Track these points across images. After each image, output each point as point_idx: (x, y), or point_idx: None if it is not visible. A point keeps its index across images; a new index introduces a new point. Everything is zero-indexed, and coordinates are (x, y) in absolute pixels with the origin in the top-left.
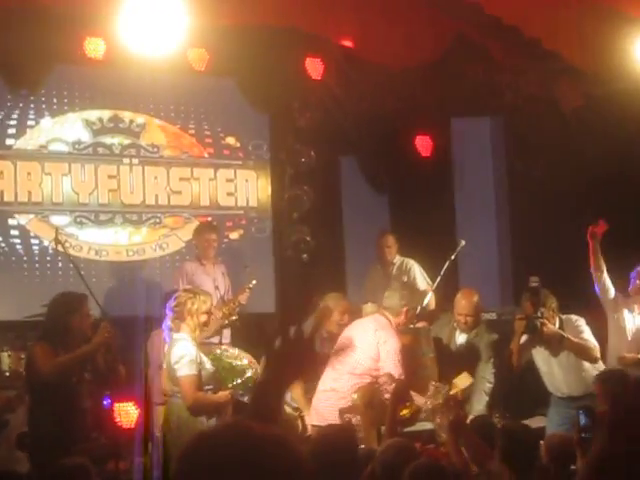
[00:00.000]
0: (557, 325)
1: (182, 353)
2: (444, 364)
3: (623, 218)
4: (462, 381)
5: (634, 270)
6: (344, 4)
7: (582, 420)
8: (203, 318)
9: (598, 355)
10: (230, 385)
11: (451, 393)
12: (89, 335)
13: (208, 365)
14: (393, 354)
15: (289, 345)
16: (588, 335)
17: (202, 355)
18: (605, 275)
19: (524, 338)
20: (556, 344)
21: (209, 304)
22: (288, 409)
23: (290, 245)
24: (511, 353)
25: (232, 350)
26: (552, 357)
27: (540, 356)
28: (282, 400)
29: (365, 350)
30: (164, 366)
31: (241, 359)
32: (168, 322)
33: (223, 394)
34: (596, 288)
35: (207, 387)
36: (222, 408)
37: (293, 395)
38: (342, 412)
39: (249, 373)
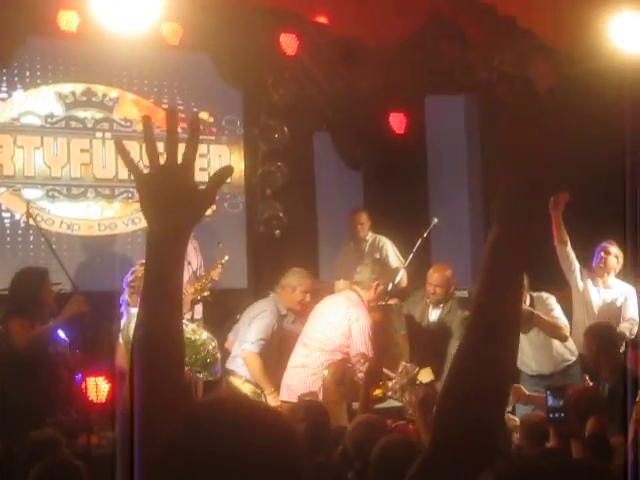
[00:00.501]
0: (527, 302)
1: None
2: (416, 341)
3: (591, 194)
4: (424, 376)
5: (599, 245)
6: None
7: (550, 401)
8: None
9: (568, 333)
10: (187, 360)
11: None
12: (54, 308)
13: None
14: (364, 332)
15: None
16: (558, 313)
17: None
18: (569, 248)
19: None
20: (526, 322)
21: None
22: (249, 386)
23: (263, 221)
24: None
25: (191, 325)
26: (522, 334)
27: None
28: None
29: (336, 327)
30: (120, 342)
31: (200, 334)
32: (125, 297)
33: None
34: (560, 261)
35: None
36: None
37: (251, 371)
38: (303, 396)
39: (209, 347)
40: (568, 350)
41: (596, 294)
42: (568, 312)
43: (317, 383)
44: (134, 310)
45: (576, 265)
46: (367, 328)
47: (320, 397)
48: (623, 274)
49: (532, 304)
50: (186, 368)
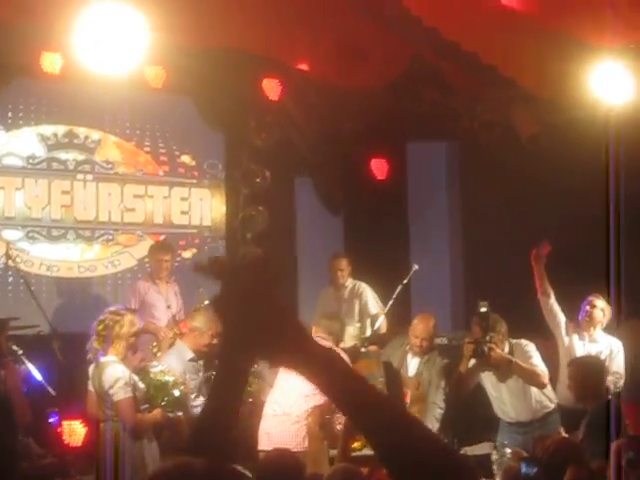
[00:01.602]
0: (507, 350)
1: (116, 377)
2: (394, 388)
3: (577, 245)
4: None
5: (585, 300)
6: (301, 27)
7: (523, 468)
8: (132, 340)
9: (546, 381)
10: (162, 402)
11: None
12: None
13: (140, 384)
14: None
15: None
16: (537, 360)
17: (134, 376)
18: (552, 300)
19: (472, 362)
20: (504, 369)
21: (137, 326)
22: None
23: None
24: (459, 377)
25: (160, 366)
26: (500, 382)
27: (489, 380)
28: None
29: None
30: (90, 389)
31: (171, 375)
32: (92, 344)
33: (157, 412)
34: (544, 314)
35: (143, 407)
36: (158, 427)
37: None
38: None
39: (180, 387)
40: (547, 398)
41: (581, 347)
42: (551, 360)
43: (302, 431)
44: (105, 359)
45: (561, 318)
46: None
47: (305, 445)
48: (609, 328)
49: (511, 351)
50: (159, 409)
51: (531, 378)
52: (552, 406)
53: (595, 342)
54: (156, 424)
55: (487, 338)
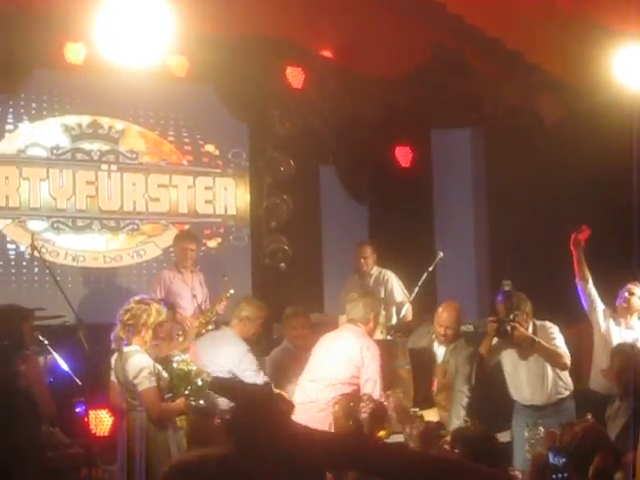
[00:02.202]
0: (530, 330)
1: (140, 366)
2: (421, 376)
3: (606, 232)
4: (429, 417)
5: (623, 287)
6: (324, 14)
7: (551, 458)
8: (167, 327)
9: (568, 362)
10: (185, 391)
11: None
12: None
13: (164, 374)
14: (376, 359)
15: None
16: (560, 342)
17: (157, 365)
18: (591, 285)
19: (495, 340)
20: (526, 348)
21: (163, 315)
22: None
23: (268, 254)
24: (481, 356)
25: (183, 355)
26: (520, 362)
27: (509, 360)
28: None
29: (348, 358)
30: (113, 379)
31: (192, 364)
32: (117, 333)
33: (181, 401)
34: (582, 299)
35: (167, 396)
36: (182, 414)
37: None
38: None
39: (204, 376)
40: (563, 383)
41: (617, 334)
42: (572, 345)
43: (328, 419)
44: (128, 349)
45: (598, 303)
46: (377, 356)
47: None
48: None
49: (534, 332)
50: (182, 399)
51: (553, 358)
52: (567, 393)
53: (631, 329)
54: (180, 413)
55: (511, 317)
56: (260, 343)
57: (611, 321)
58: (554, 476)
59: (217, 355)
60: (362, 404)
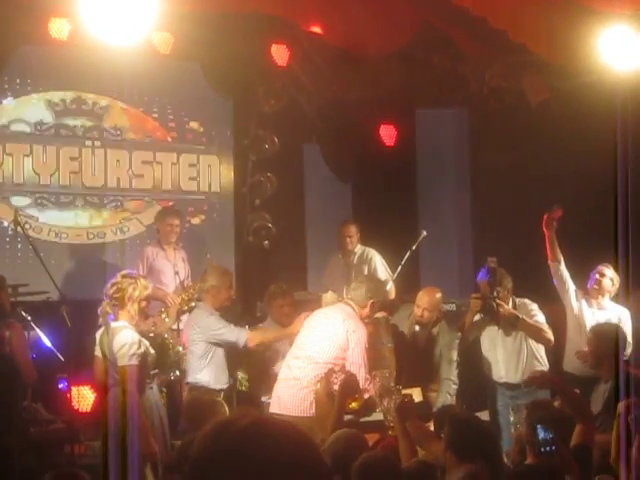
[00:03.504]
0: (511, 306)
1: (123, 342)
2: (404, 357)
3: (586, 214)
4: (414, 395)
5: (594, 268)
6: None
7: (540, 434)
8: (143, 304)
9: (552, 338)
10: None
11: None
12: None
13: (151, 350)
14: (361, 343)
15: None
16: (541, 319)
17: (144, 341)
18: (563, 267)
19: (477, 317)
20: (507, 325)
21: (149, 290)
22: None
23: (252, 232)
24: (462, 335)
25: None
26: (498, 339)
27: (486, 336)
28: None
29: (333, 339)
30: (98, 354)
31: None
32: (104, 308)
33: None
34: (554, 280)
35: (153, 371)
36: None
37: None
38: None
39: (178, 348)
40: (539, 363)
41: (590, 315)
42: (553, 326)
43: (310, 396)
44: (116, 324)
45: (570, 285)
46: (364, 339)
47: (312, 410)
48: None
49: (515, 309)
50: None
51: (537, 334)
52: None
53: (603, 310)
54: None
55: (494, 293)
56: (244, 320)
57: (583, 302)
58: (542, 449)
59: (190, 331)
60: (334, 375)
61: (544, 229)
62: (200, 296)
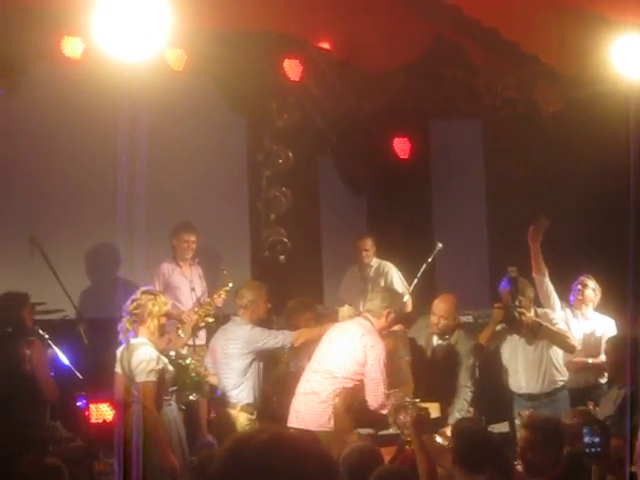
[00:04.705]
0: (533, 315)
1: (141, 359)
2: (421, 369)
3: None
4: (432, 411)
5: (575, 280)
6: (322, 7)
7: (587, 437)
8: (163, 320)
9: (576, 344)
10: (180, 383)
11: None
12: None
13: (170, 367)
14: (379, 359)
15: None
16: (563, 327)
17: (163, 357)
18: (547, 280)
19: (499, 327)
20: (529, 335)
21: (169, 306)
22: (244, 415)
23: (267, 246)
24: (481, 345)
25: (180, 350)
26: (519, 349)
27: (507, 346)
28: None
29: (351, 354)
30: (118, 371)
31: (189, 358)
32: (124, 325)
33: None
34: (538, 292)
35: (171, 388)
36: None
37: None
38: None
39: (199, 370)
40: (558, 373)
41: (577, 325)
42: None
43: (328, 411)
44: (136, 340)
45: (555, 297)
46: (382, 355)
47: (330, 425)
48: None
49: (537, 317)
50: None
51: (562, 341)
52: (561, 382)
53: (588, 320)
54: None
55: (516, 303)
56: None
57: (569, 312)
58: (587, 450)
59: (227, 345)
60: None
61: (529, 241)
62: (237, 312)
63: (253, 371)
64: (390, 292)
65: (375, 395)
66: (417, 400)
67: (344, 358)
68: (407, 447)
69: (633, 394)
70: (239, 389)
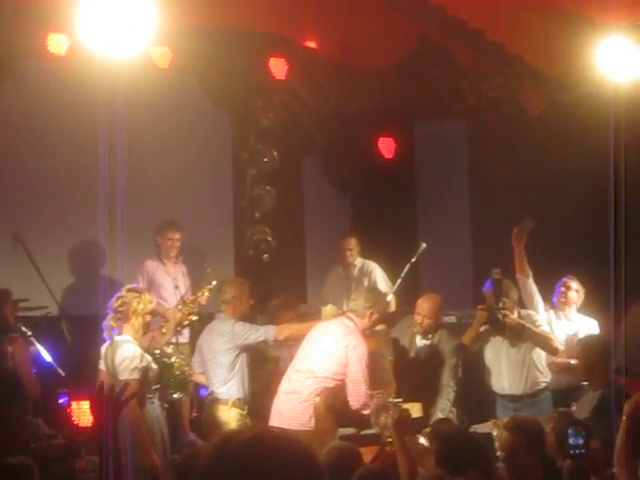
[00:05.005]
0: (516, 316)
1: (124, 356)
2: (404, 369)
3: (580, 223)
4: (413, 412)
5: (559, 281)
6: (308, 6)
7: (571, 438)
8: (148, 318)
9: (559, 346)
10: (164, 382)
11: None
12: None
13: (154, 365)
14: (361, 359)
15: None
16: (547, 329)
17: (147, 355)
18: (531, 281)
19: (483, 328)
20: (511, 336)
21: (154, 304)
22: (235, 410)
23: (251, 245)
24: (464, 346)
25: (164, 349)
26: (502, 350)
27: (490, 348)
28: None
29: (333, 354)
30: (102, 367)
31: (173, 357)
32: (109, 322)
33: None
34: (522, 293)
35: (155, 386)
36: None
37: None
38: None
39: (184, 368)
40: (541, 374)
41: (559, 326)
42: None
43: (309, 410)
44: (120, 338)
45: (538, 299)
46: (364, 356)
47: (311, 424)
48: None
49: (520, 319)
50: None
51: (544, 343)
52: (544, 384)
53: (571, 321)
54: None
55: (500, 304)
56: None
57: (552, 313)
58: (572, 452)
59: (213, 341)
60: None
61: (513, 242)
62: (220, 307)
63: (240, 366)
64: (374, 292)
65: (357, 395)
66: (399, 400)
67: (326, 358)
68: (387, 448)
69: (608, 396)
70: (229, 385)
